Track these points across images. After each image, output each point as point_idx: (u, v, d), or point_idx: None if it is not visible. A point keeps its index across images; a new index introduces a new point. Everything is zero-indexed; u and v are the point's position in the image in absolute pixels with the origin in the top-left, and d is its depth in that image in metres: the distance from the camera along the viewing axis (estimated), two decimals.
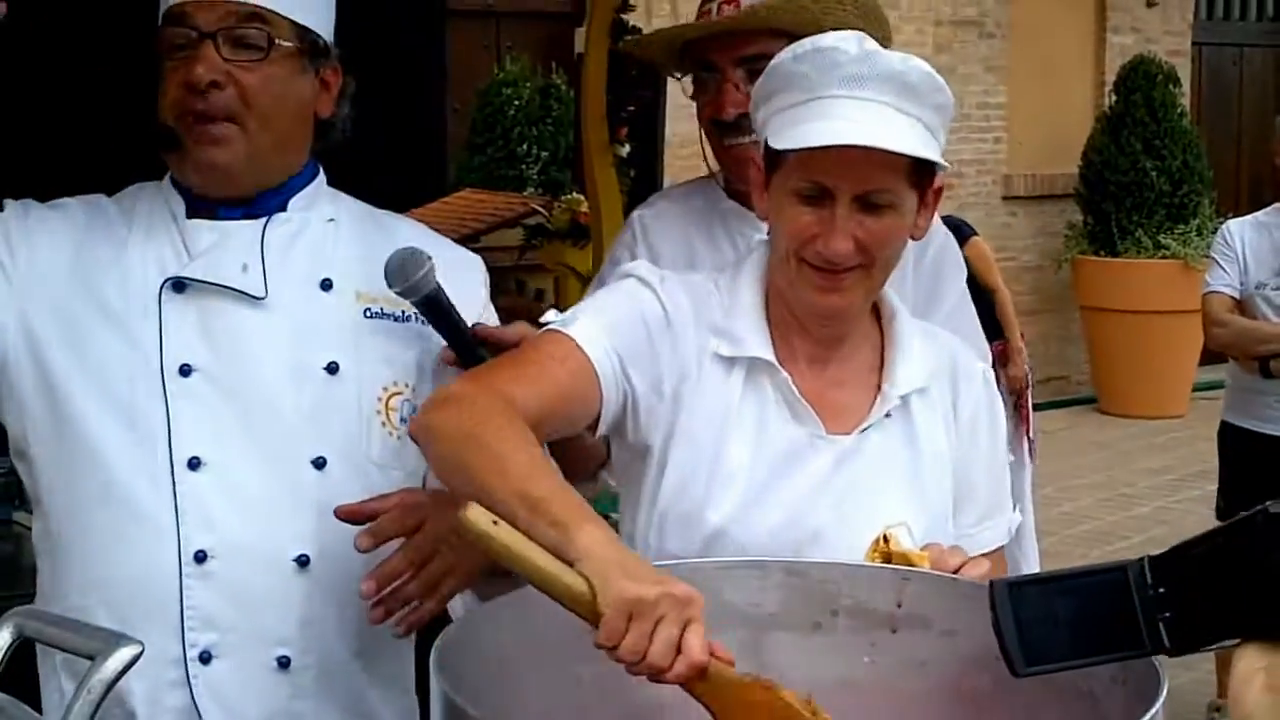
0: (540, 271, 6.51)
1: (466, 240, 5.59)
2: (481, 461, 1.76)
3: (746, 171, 2.55)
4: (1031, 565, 4.52)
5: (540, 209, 5.95)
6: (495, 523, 1.65)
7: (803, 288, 1.98)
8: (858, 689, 1.76)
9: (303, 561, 2.07)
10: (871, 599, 1.75)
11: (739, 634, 1.76)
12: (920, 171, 1.95)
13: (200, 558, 2.02)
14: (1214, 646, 1.21)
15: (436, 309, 2.11)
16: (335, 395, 2.12)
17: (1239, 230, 5.48)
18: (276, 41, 2.10)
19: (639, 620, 1.60)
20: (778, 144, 1.96)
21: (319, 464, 2.09)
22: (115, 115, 2.55)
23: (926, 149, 1.92)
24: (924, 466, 2.04)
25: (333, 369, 2.12)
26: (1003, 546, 2.14)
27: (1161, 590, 1.22)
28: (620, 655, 1.60)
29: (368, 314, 2.17)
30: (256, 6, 2.10)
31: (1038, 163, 11.97)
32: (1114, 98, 11.37)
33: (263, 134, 2.10)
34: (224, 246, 2.12)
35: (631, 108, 5.19)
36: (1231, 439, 5.48)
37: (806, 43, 1.96)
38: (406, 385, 2.18)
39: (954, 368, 2.10)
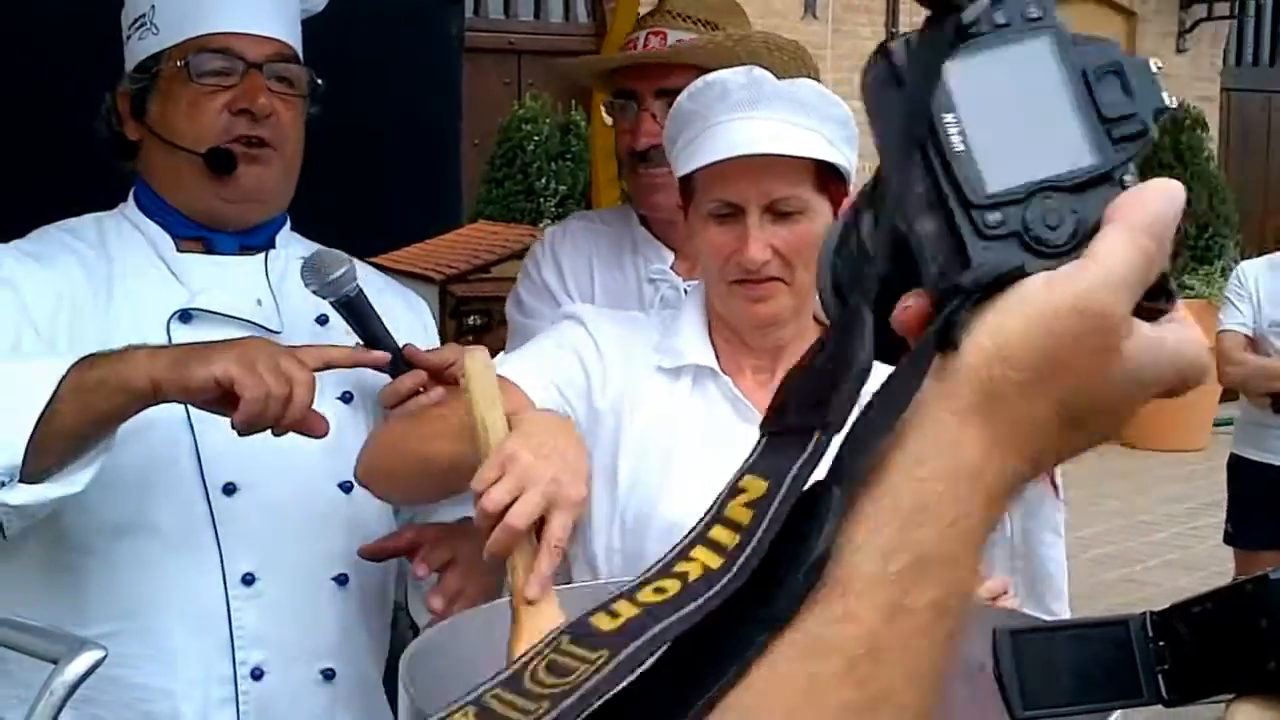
0: None
1: (478, 270, 5.63)
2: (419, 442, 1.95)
3: (653, 199, 2.66)
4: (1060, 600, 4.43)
5: None
6: (487, 366, 1.71)
7: (734, 303, 2.04)
8: None
9: (341, 580, 2.14)
10: None
11: None
12: (828, 179, 1.99)
13: (248, 580, 2.05)
14: (1211, 700, 1.17)
15: (356, 312, 2.10)
16: (350, 422, 2.17)
17: (1253, 270, 5.55)
18: (310, 80, 2.17)
19: (510, 476, 1.60)
20: (681, 170, 2.03)
21: (345, 487, 2.13)
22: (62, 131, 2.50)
23: (826, 154, 1.96)
24: None
25: (347, 398, 2.18)
26: None
27: (1161, 644, 1.20)
28: (483, 504, 1.58)
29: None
30: (291, 45, 2.16)
31: None
32: None
33: (291, 165, 2.17)
34: (229, 280, 2.13)
35: None
36: (1241, 470, 5.54)
37: (698, 82, 2.03)
38: None
39: None
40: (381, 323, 2.12)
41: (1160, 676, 1.23)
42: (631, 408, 2.06)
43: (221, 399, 1.81)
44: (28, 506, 1.83)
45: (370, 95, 4.18)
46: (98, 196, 2.22)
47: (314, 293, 2.08)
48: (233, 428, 1.83)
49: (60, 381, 1.80)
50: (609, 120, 2.82)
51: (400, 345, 2.13)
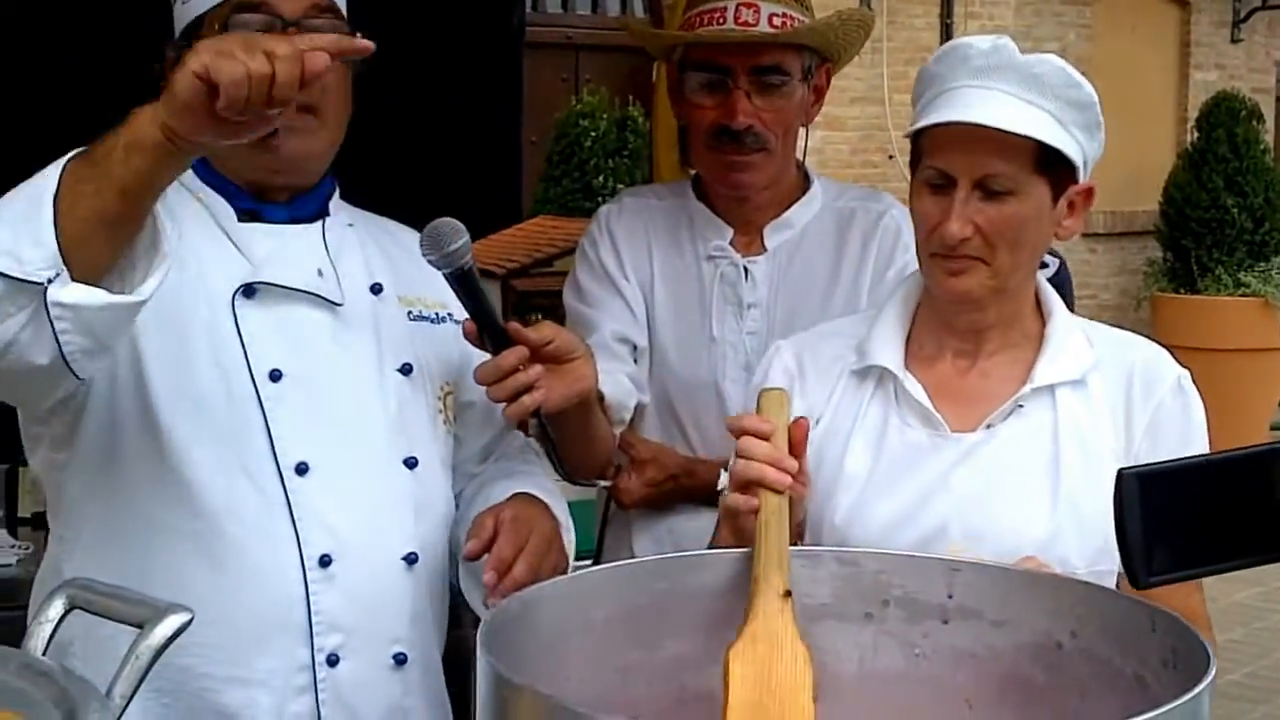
0: None
1: (539, 264, 5.64)
2: None
3: (734, 178, 2.63)
4: None
5: None
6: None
7: (933, 275, 2.05)
8: (909, 679, 1.74)
9: (411, 560, 2.12)
10: (922, 589, 1.73)
11: None
12: (1050, 163, 1.96)
13: (325, 561, 2.03)
14: None
15: (468, 285, 2.07)
16: (412, 396, 2.17)
17: None
18: (348, 30, 2.07)
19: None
20: (906, 133, 2.05)
21: (410, 464, 2.13)
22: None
23: (1048, 136, 1.93)
24: (1064, 459, 2.02)
25: (406, 370, 2.16)
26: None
27: None
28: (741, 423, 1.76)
29: (410, 316, 2.21)
30: None
31: (1118, 199, 11.85)
32: (1196, 134, 11.26)
33: (334, 126, 2.12)
34: (288, 251, 2.11)
35: None
36: None
37: (946, 46, 2.04)
38: (454, 384, 2.24)
39: (1132, 369, 2.09)
40: (485, 294, 2.11)
41: None
42: (823, 415, 2.09)
43: (211, 97, 1.66)
44: (83, 309, 1.73)
45: (430, 92, 4.20)
46: None
47: (430, 263, 2.04)
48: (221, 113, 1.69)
49: (63, 168, 1.72)
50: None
51: (503, 323, 2.11)
